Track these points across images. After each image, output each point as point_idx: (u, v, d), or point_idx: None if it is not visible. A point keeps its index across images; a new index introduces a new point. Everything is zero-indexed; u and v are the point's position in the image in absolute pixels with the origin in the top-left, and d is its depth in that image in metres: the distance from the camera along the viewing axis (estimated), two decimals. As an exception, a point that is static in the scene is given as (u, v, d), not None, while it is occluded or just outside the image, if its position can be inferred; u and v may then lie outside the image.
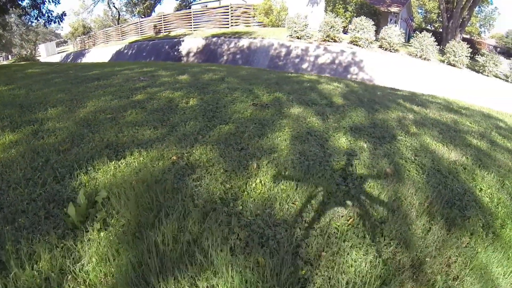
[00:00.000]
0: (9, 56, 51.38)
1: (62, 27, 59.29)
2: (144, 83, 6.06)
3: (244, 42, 17.23)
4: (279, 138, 3.53)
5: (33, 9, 13.45)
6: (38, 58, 38.03)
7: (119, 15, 40.13)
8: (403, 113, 5.09)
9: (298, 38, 15.74)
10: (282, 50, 15.63)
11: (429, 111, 5.63)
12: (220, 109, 4.42)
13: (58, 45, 44.75)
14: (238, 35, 17.88)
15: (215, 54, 17.92)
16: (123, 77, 6.91)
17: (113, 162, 2.89)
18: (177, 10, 37.53)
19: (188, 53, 19.26)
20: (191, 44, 19.46)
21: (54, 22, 14.40)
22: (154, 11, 39.35)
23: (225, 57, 17.33)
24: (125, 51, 23.87)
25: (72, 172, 2.74)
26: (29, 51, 44.42)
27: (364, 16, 15.85)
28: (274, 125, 3.92)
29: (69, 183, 2.58)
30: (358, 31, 14.91)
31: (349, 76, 13.72)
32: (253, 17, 20.91)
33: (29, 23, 15.33)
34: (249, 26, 20.93)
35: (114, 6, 40.33)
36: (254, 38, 16.94)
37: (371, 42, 15.07)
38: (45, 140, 3.35)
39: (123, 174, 2.70)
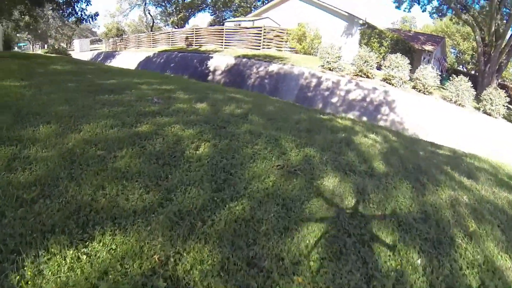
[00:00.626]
0: (45, 46, 52.67)
1: (99, 26, 60.87)
2: (156, 107, 5.41)
3: (274, 68, 16.69)
4: (307, 241, 2.67)
5: (67, 6, 13.48)
6: (70, 52, 38.60)
7: (153, 22, 40.68)
8: (455, 191, 4.34)
9: (330, 69, 15.11)
10: (312, 81, 14.96)
11: (481, 187, 4.88)
12: (236, 169, 3.58)
13: (92, 42, 45.64)
14: (269, 59, 17.34)
15: (243, 76, 17.36)
16: (137, 93, 6.39)
17: (73, 250, 2.09)
18: (210, 25, 37.77)
19: (215, 70, 18.83)
20: (220, 61, 19.05)
21: (86, 21, 14.54)
22: (187, 23, 39.83)
23: (252, 80, 16.76)
24: (154, 59, 23.83)
25: (18, 251, 1.99)
26: (63, 44, 45.43)
27: (399, 52, 15.25)
28: (302, 210, 3.09)
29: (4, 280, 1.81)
30: (393, 68, 14.25)
31: (379, 116, 13.02)
32: (286, 41, 20.48)
33: (65, 18, 15.43)
34: (281, 50, 20.50)
35: (149, 13, 41.01)
36: (285, 64, 16.34)
37: (405, 82, 14.36)
38: (15, 176, 2.73)
39: (78, 279, 1.91)
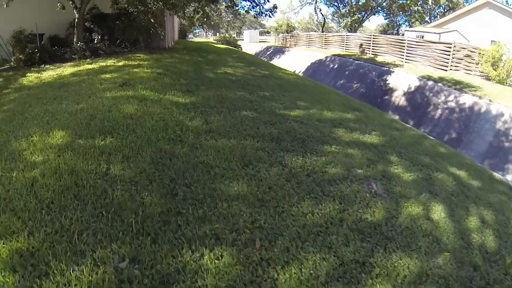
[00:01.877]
0: (217, 33, 59.23)
1: (268, 18, 65.05)
2: (377, 209, 3.45)
3: (466, 100, 14.09)
4: None
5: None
6: (240, 42, 42.33)
7: (324, 21, 41.63)
8: None
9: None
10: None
11: None
12: None
13: (260, 33, 49.62)
14: (459, 87, 15.26)
15: (426, 104, 15.53)
16: (341, 159, 4.43)
17: None
18: (383, 32, 36.56)
19: (393, 90, 17.73)
20: (401, 80, 17.85)
21: (265, 15, 15.31)
22: (361, 26, 39.47)
23: (437, 113, 14.85)
24: (326, 63, 24.42)
25: None
26: (233, 34, 50.33)
27: None
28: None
29: None
30: None
31: None
32: (476, 64, 18.41)
33: (239, 10, 16.36)
34: (470, 75, 18.29)
35: (320, 12, 42.12)
36: (480, 97, 13.85)
37: None
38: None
39: None
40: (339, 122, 6.30)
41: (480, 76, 18.07)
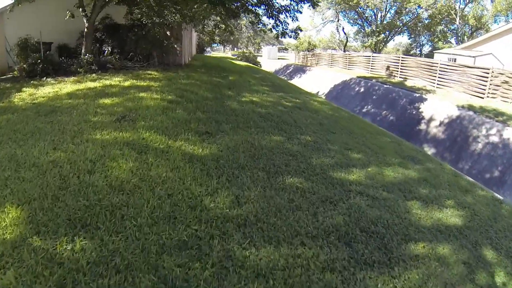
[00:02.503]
0: (235, 48, 58.64)
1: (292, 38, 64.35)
2: None
3: (510, 135, 12.43)
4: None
5: (269, 18, 13.12)
6: (259, 58, 41.33)
7: (347, 40, 40.31)
8: None
9: None
10: None
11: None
12: None
13: (279, 50, 48.55)
14: (503, 118, 13.53)
15: (466, 139, 13.76)
16: (433, 271, 2.99)
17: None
18: (406, 52, 35.08)
19: (428, 121, 15.92)
20: (436, 109, 16.13)
21: (289, 37, 13.92)
22: (386, 47, 37.95)
23: (476, 153, 13.10)
24: (352, 85, 22.82)
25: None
26: (251, 49, 49.53)
27: None
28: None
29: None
30: None
31: None
32: (514, 91, 16.60)
33: (260, 27, 15.02)
34: (507, 102, 16.62)
35: (343, 31, 40.80)
36: None
37: None
38: None
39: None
40: (407, 189, 4.78)
41: (518, 105, 16.43)
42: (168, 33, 12.92)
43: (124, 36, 12.03)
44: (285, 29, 13.39)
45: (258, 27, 14.74)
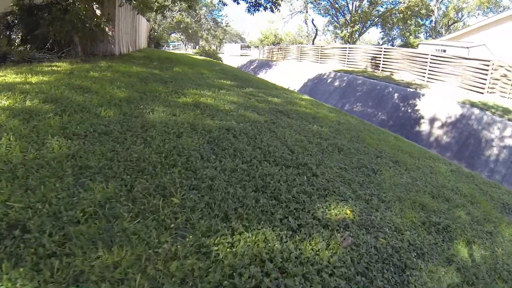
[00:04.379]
0: (196, 47, 54.72)
1: (248, 33, 61.72)
2: None
3: None
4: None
5: None
6: (220, 55, 38.06)
7: (316, 34, 37.41)
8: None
9: None
10: None
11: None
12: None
13: (241, 48, 45.22)
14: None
15: (479, 142, 11.59)
16: None
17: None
18: (383, 45, 32.86)
19: (426, 120, 13.41)
20: (434, 107, 13.65)
21: (265, 9, 10.96)
22: (360, 40, 35.42)
23: (492, 158, 11.00)
24: (329, 80, 19.81)
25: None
26: (213, 47, 45.84)
27: None
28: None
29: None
30: None
31: None
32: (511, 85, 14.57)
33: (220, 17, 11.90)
34: (504, 97, 14.63)
35: (312, 22, 37.93)
36: None
37: None
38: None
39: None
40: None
41: (515, 99, 14.64)
42: (98, 12, 9.35)
43: (39, 18, 8.55)
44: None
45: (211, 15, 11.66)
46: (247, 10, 11.50)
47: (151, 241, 1.78)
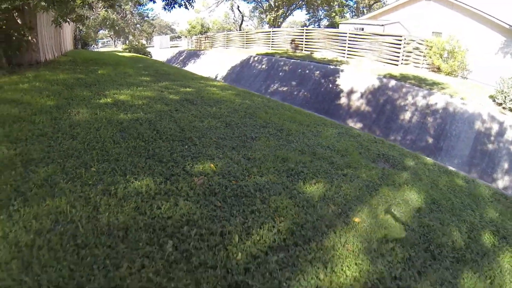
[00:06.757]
0: (126, 42, 53.75)
1: (178, 23, 60.96)
2: None
3: (437, 100, 12.32)
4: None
5: None
6: (150, 49, 38.19)
7: (242, 20, 38.79)
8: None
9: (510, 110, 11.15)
10: (492, 128, 10.78)
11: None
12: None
13: (171, 39, 45.34)
14: (424, 84, 13.49)
15: (393, 108, 13.22)
16: None
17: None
18: (304, 27, 34.99)
19: (346, 93, 15.02)
20: (354, 80, 15.28)
21: (180, 6, 11.86)
22: (285, 22, 37.26)
23: (406, 122, 12.53)
24: (253, 64, 21.43)
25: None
26: (142, 41, 45.40)
27: None
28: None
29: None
30: None
31: None
32: (424, 56, 17.11)
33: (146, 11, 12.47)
34: (418, 68, 17.08)
35: (238, 9, 39.09)
36: (451, 96, 12.20)
37: None
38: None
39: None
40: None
41: (428, 68, 17.04)
42: (19, 21, 9.65)
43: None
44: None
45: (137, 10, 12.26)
46: (163, 8, 12.36)
47: (77, 191, 3.21)
